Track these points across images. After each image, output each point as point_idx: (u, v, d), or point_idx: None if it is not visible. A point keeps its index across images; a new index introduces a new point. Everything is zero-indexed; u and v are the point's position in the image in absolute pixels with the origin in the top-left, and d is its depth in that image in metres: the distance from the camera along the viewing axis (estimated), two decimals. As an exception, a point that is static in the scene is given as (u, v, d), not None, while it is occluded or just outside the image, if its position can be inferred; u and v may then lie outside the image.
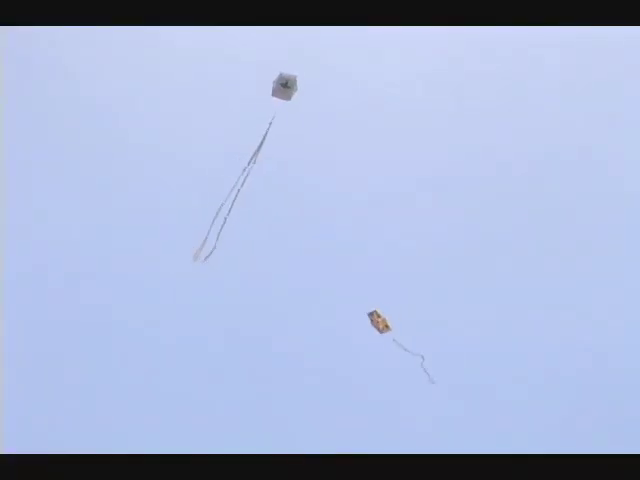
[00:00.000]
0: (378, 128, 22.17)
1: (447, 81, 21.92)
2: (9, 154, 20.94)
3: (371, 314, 22.56)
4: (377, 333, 22.77)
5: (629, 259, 21.71)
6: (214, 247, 21.23)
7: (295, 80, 22.20)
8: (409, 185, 21.71)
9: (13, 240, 21.36)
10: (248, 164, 21.57)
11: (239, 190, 21.45)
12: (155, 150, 21.75)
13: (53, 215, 20.98)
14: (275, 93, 22.49)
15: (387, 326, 22.96)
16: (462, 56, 22.06)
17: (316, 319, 21.81)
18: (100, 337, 21.62)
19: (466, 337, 22.11)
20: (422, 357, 21.72)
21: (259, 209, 22.26)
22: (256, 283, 22.48)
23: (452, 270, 21.94)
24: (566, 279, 22.03)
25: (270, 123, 21.79)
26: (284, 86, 22.38)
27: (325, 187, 22.16)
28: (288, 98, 22.38)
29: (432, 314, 21.91)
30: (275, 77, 22.29)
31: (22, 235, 21.14)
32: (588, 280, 21.94)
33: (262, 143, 21.74)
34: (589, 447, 21.44)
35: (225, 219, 21.32)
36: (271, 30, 22.40)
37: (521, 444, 21.64)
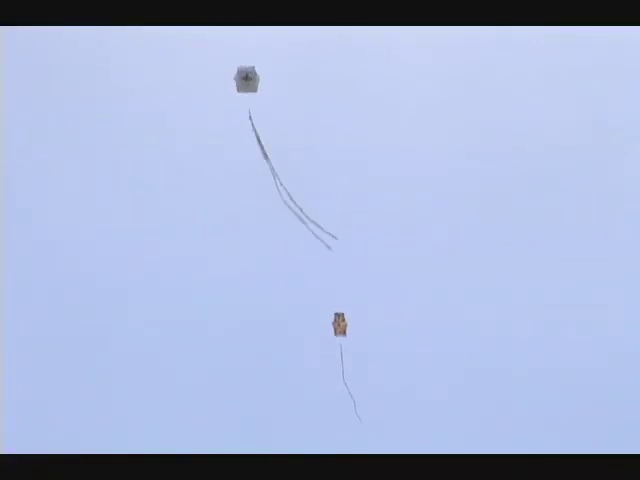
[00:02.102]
0: (377, 126, 22.35)
1: (447, 81, 22.03)
2: (9, 155, 21.07)
3: (337, 315, 22.74)
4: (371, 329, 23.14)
5: (629, 258, 21.82)
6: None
7: (254, 70, 22.45)
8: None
9: (13, 240, 21.50)
10: (267, 161, 21.68)
11: (281, 185, 21.55)
12: (157, 149, 21.90)
13: (54, 216, 21.13)
14: (240, 89, 22.74)
15: (344, 332, 23.18)
16: (463, 56, 22.18)
17: (314, 315, 22.09)
18: (100, 337, 21.77)
19: (466, 336, 22.25)
20: (345, 382, 22.01)
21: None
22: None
23: (452, 269, 22.05)
24: (567, 278, 22.15)
25: (250, 118, 21.98)
26: (245, 79, 22.61)
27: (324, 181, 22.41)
28: (254, 90, 22.60)
29: (432, 313, 22.03)
30: (235, 74, 22.59)
31: (22, 235, 21.28)
32: (589, 280, 22.06)
33: (258, 138, 21.93)
34: (589, 447, 21.61)
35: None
36: (273, 30, 22.60)
37: (521, 444, 21.82)
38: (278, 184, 21.43)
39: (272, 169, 21.12)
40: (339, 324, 22.80)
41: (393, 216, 22.37)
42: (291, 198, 22.34)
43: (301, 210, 22.53)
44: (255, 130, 21.17)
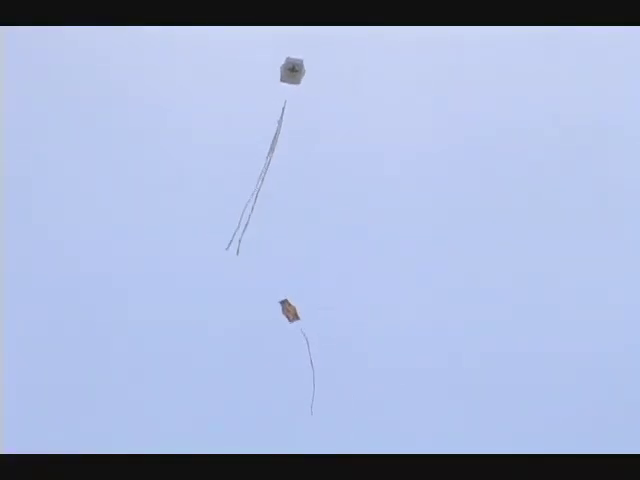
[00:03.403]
0: (381, 123, 22.25)
1: (447, 81, 21.94)
2: (9, 156, 20.96)
3: (282, 302, 22.97)
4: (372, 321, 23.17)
5: (629, 257, 21.66)
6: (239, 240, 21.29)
7: (302, 64, 22.51)
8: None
9: (13, 240, 21.38)
10: (267, 156, 21.61)
11: (260, 183, 21.49)
12: (157, 149, 21.77)
13: (54, 216, 21.02)
14: (283, 78, 22.86)
15: (296, 315, 23.40)
16: (462, 56, 22.10)
17: (315, 311, 21.94)
18: (100, 336, 21.70)
19: (467, 335, 22.12)
20: (311, 363, 21.87)
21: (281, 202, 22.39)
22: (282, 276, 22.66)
23: (453, 269, 21.92)
24: (567, 278, 22.00)
25: (283, 109, 21.90)
26: (292, 70, 22.67)
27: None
28: (297, 82, 22.76)
29: (432, 311, 21.89)
30: (282, 63, 22.64)
31: (22, 235, 21.17)
32: (589, 279, 21.92)
33: (278, 132, 21.82)
34: (589, 447, 21.45)
35: (250, 214, 21.36)
36: (275, 30, 22.50)
37: (522, 444, 21.66)
38: (262, 177, 21.01)
39: (267, 164, 20.91)
40: (288, 310, 22.77)
41: (391, 214, 22.17)
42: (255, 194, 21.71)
43: (252, 209, 21.96)
44: (280, 124, 20.94)
